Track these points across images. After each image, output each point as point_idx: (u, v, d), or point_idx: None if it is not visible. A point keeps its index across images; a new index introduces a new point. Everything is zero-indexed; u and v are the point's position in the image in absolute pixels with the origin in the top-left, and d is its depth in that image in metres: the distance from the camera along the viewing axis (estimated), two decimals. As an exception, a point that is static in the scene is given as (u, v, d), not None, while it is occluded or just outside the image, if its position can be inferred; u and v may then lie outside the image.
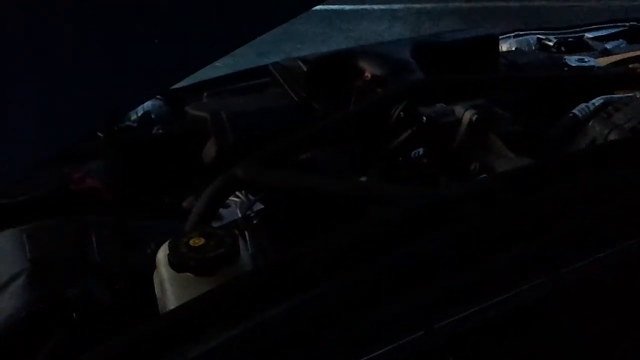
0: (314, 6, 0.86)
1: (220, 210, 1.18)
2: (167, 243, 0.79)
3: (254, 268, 0.79)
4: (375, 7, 5.05)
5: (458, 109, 1.21)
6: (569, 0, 4.80)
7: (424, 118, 1.19)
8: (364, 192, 1.00)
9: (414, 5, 5.05)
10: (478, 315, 0.57)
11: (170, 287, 0.76)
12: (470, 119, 1.18)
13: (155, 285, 0.81)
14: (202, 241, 0.76)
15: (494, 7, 4.92)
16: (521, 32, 2.05)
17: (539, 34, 2.05)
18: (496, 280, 0.61)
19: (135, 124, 1.63)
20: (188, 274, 0.75)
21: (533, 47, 2.02)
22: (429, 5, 5.01)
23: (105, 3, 0.62)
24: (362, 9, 5.03)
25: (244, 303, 0.62)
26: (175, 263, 0.75)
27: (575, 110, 1.30)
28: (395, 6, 5.04)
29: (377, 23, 4.66)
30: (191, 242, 0.76)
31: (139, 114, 1.66)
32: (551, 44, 1.99)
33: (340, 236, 0.68)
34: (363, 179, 1.18)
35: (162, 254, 0.79)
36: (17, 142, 0.64)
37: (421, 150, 1.19)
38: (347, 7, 5.09)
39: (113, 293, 0.89)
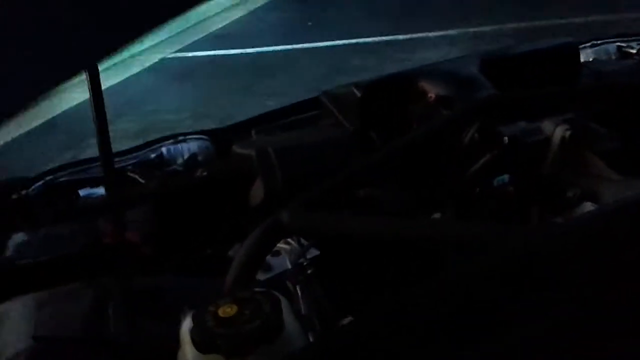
0: None
1: (269, 258, 1.02)
2: (190, 314, 0.61)
3: (303, 346, 0.59)
4: (430, 34, 4.89)
5: (546, 125, 1.00)
6: (627, 12, 4.51)
7: (506, 138, 0.99)
8: (439, 234, 0.80)
9: (469, 30, 4.87)
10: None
11: (195, 374, 0.58)
12: (563, 136, 0.98)
13: (180, 369, 0.63)
14: (234, 310, 0.58)
15: (553, 25, 4.68)
16: (598, 42, 1.87)
17: (618, 42, 1.87)
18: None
19: (181, 168, 1.52)
20: (217, 355, 0.57)
21: (613, 57, 1.85)
22: (486, 28, 4.81)
23: None
24: (416, 37, 4.88)
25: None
26: (200, 342, 0.57)
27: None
28: (451, 32, 4.86)
29: (433, 50, 4.49)
30: (220, 311, 0.59)
31: (185, 157, 1.56)
32: (634, 51, 1.81)
33: (418, 299, 0.49)
34: (436, 216, 0.99)
35: (187, 328, 0.61)
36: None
37: (506, 177, 0.98)
38: (400, 36, 4.95)
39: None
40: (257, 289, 0.63)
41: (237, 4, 6.83)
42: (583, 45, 1.80)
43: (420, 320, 0.45)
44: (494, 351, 0.40)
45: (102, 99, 0.79)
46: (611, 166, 1.00)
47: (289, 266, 1.01)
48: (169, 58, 5.75)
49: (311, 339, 0.77)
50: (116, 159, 1.46)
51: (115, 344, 0.75)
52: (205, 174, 1.42)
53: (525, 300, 0.45)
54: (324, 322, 0.88)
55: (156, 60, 5.67)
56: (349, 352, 0.46)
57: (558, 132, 0.99)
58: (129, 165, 1.46)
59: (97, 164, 1.35)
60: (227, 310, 0.59)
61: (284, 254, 1.05)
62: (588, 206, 0.93)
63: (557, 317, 0.43)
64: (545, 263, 0.51)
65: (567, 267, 0.51)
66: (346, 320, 0.68)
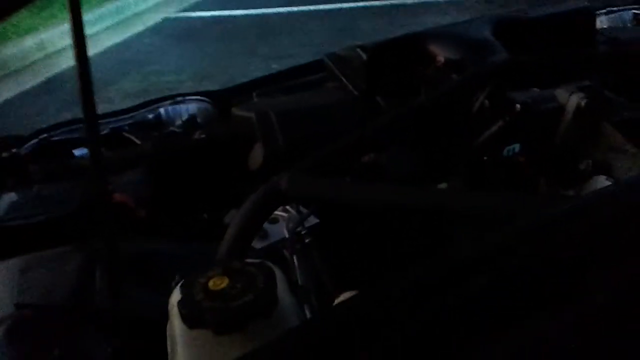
0: None
1: (267, 226, 0.98)
2: (179, 285, 0.57)
3: (299, 323, 0.56)
4: (441, -1, 4.79)
5: (561, 93, 0.95)
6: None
7: (518, 105, 0.94)
8: (445, 204, 0.76)
9: (481, -5, 4.75)
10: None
11: (182, 349, 0.54)
12: (578, 105, 0.93)
13: (168, 342, 0.60)
14: (225, 282, 0.55)
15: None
16: (614, 8, 1.82)
17: (634, 9, 1.82)
18: None
19: (179, 129, 1.48)
20: (205, 330, 0.53)
21: (628, 24, 1.80)
22: (498, -6, 4.70)
23: None
24: (425, 2, 4.77)
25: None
26: (188, 316, 0.53)
27: None
28: (462, -3, 4.75)
29: (443, 16, 4.38)
30: (210, 283, 0.55)
31: (183, 118, 1.51)
32: (650, 19, 1.76)
33: (433, 275, 0.44)
34: (442, 186, 0.94)
35: (175, 299, 0.57)
36: None
37: (516, 147, 0.94)
38: (409, 0, 4.84)
39: (118, 349, 0.69)
40: (250, 260, 0.59)
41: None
42: (598, 12, 1.74)
43: (436, 301, 0.41)
44: (516, 342, 0.36)
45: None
46: (627, 137, 0.95)
47: (287, 234, 0.97)
48: (172, 18, 5.65)
49: (307, 312, 0.73)
50: (113, 119, 1.41)
51: (101, 314, 0.71)
52: (203, 136, 1.38)
53: (544, 283, 0.41)
54: (321, 294, 0.84)
55: (159, 20, 5.57)
56: (351, 332, 0.42)
57: (573, 100, 0.94)
58: (126, 125, 1.42)
59: None
60: (217, 283, 0.55)
61: (282, 222, 1.01)
62: (601, 179, 0.88)
63: (578, 305, 0.39)
64: (561, 242, 0.47)
65: (583, 246, 0.47)
66: (345, 294, 0.65)
